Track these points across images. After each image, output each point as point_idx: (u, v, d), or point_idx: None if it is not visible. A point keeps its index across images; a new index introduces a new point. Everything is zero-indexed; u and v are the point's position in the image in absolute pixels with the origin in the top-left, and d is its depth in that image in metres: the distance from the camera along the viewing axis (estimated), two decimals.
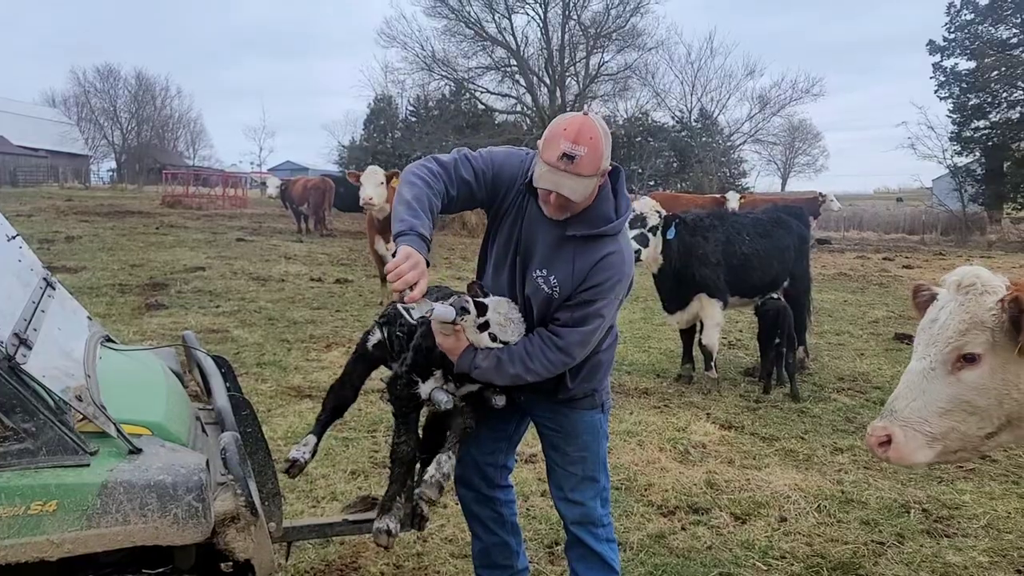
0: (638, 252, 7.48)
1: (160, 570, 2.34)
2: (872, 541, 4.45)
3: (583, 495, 3.21)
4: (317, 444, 3.74)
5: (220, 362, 3.33)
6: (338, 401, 3.85)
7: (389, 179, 10.83)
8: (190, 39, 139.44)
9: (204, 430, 3.03)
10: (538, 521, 4.54)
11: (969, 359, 2.53)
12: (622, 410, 6.75)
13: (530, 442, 5.81)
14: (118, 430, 2.28)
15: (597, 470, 3.23)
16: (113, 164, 72.86)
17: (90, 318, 3.33)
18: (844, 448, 5.92)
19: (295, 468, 3.63)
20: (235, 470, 2.41)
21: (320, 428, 3.79)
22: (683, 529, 4.54)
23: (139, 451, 2.28)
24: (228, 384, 3.17)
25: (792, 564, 4.16)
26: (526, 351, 2.89)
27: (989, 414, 2.55)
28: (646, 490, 5.05)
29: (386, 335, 3.64)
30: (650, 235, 7.50)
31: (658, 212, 7.57)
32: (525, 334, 3.00)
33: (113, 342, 3.28)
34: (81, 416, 2.25)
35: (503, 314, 2.97)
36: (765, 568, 4.11)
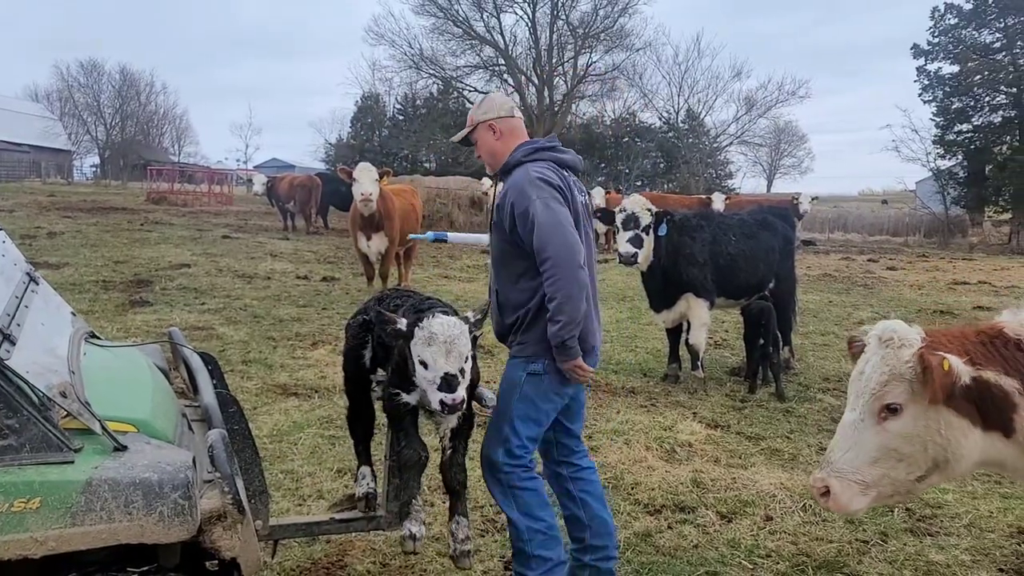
0: (635, 255, 7.48)
1: (145, 568, 2.32)
2: (856, 540, 4.47)
3: (490, 442, 3.54)
4: (372, 471, 3.78)
5: (207, 359, 3.32)
6: (364, 425, 3.87)
7: (381, 176, 10.82)
8: (175, 36, 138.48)
9: (190, 427, 3.01)
10: None
11: (892, 409, 2.67)
12: (609, 409, 6.77)
13: None
14: (103, 427, 2.26)
15: (503, 421, 3.48)
16: (96, 160, 72.21)
17: (74, 314, 3.30)
18: None
19: (370, 500, 3.67)
20: (222, 468, 2.39)
21: (366, 457, 3.84)
22: (669, 528, 4.55)
23: (124, 448, 2.26)
24: (215, 381, 3.16)
25: (777, 563, 4.18)
26: (551, 291, 3.26)
27: (916, 460, 2.69)
28: (632, 489, 5.06)
29: (373, 351, 3.63)
30: (644, 235, 7.50)
31: (649, 210, 7.55)
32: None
33: (98, 338, 3.26)
34: (65, 413, 2.23)
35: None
36: (751, 566, 4.13)
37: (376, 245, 11.24)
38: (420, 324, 3.01)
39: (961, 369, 2.60)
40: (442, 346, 2.96)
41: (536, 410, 3.47)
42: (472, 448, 5.16)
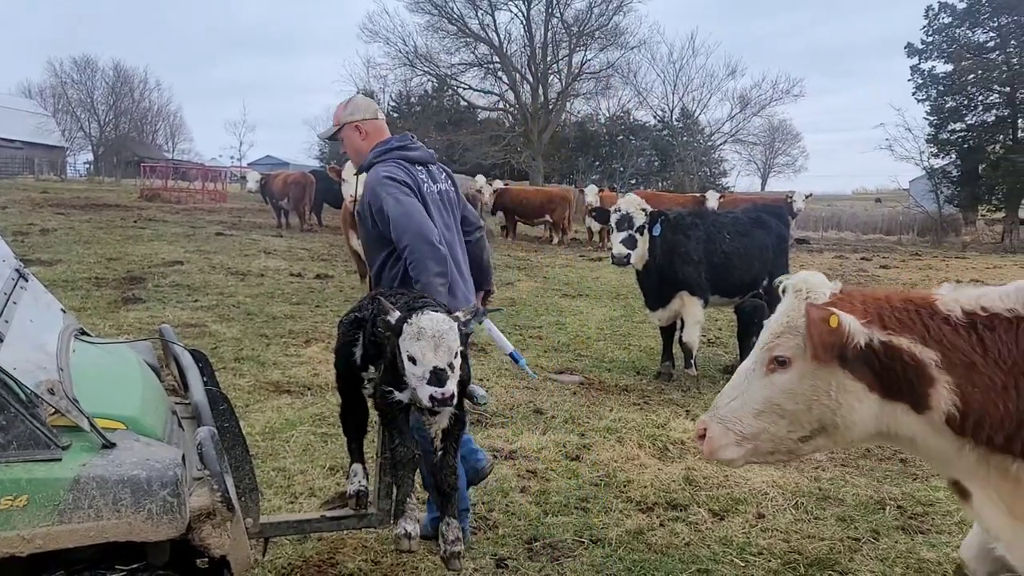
0: (627, 257, 7.48)
1: (134, 566, 2.30)
2: (848, 537, 4.48)
3: None
4: (365, 468, 3.75)
5: (197, 356, 3.30)
6: (356, 422, 3.84)
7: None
8: (169, 34, 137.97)
9: (181, 424, 3.00)
10: (517, 517, 4.54)
11: (780, 362, 2.58)
12: (602, 407, 6.77)
13: (510, 438, 5.83)
14: (91, 424, 2.24)
15: None
16: (90, 156, 71.91)
17: (64, 311, 3.28)
18: None
19: (361, 498, 3.64)
20: (211, 465, 2.38)
21: (358, 454, 3.81)
22: (661, 525, 4.56)
23: (113, 445, 2.25)
24: (205, 378, 3.15)
25: (769, 560, 4.19)
26: (414, 274, 3.66)
27: (799, 419, 2.58)
28: (625, 486, 5.06)
29: (363, 348, 3.62)
30: (638, 236, 7.51)
31: (643, 210, 7.56)
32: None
33: (87, 335, 3.24)
34: (53, 410, 2.22)
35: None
36: (743, 564, 4.13)
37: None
38: (409, 320, 3.00)
39: (854, 328, 2.47)
40: (431, 340, 2.95)
41: None
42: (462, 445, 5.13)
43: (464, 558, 3.42)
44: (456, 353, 3.03)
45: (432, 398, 2.94)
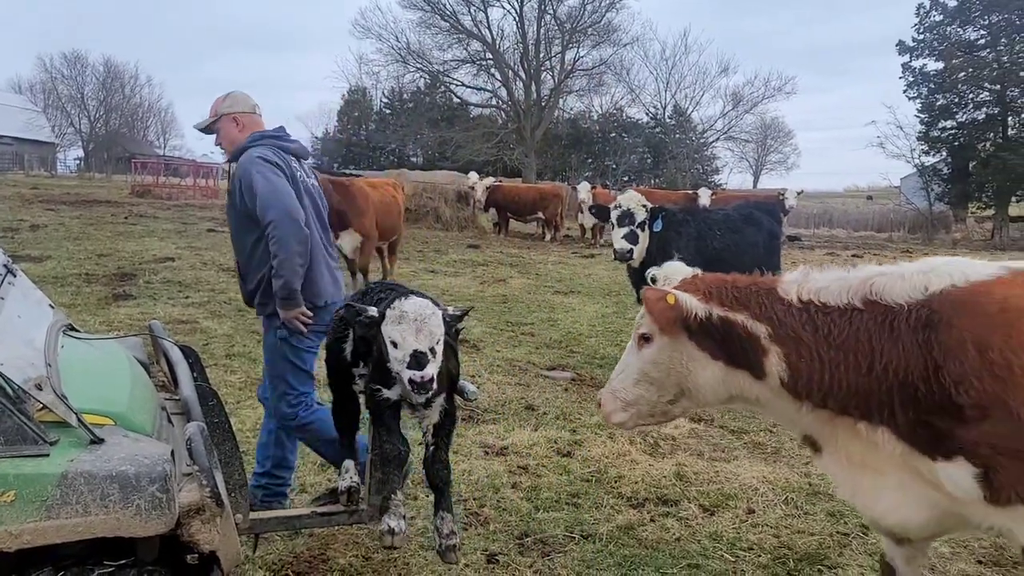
0: (630, 252, 7.50)
1: (123, 561, 2.30)
2: (838, 532, 4.50)
3: (275, 402, 4.19)
4: (357, 464, 3.78)
5: (187, 352, 3.29)
6: (348, 418, 3.87)
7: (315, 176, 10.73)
8: (160, 29, 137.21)
9: (170, 420, 3.00)
10: (508, 513, 4.54)
11: (646, 338, 3.01)
12: (593, 403, 6.76)
13: (501, 435, 5.83)
14: (79, 420, 2.24)
15: (277, 380, 4.13)
16: (80, 152, 71.50)
17: (52, 307, 3.26)
18: None
19: (352, 494, 3.69)
20: (200, 461, 2.38)
21: (349, 451, 3.84)
22: (652, 521, 4.57)
23: (101, 441, 2.25)
24: (195, 374, 3.14)
25: (759, 555, 4.20)
26: (274, 250, 3.82)
27: (664, 384, 3.02)
28: (616, 482, 5.07)
29: (353, 344, 3.63)
30: (639, 231, 7.54)
31: (644, 206, 7.59)
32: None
33: (76, 331, 3.23)
34: (41, 405, 2.21)
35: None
36: (733, 559, 4.15)
37: (347, 242, 11.07)
38: (392, 305, 3.03)
39: (692, 304, 2.89)
40: (412, 324, 2.98)
41: (301, 361, 4.13)
42: (465, 445, 5.15)
43: (459, 550, 3.43)
44: (438, 339, 3.04)
45: (412, 381, 2.96)
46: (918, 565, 3.23)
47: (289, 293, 3.87)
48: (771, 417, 3.37)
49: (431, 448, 3.42)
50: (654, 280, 3.15)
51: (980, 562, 4.22)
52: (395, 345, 3.01)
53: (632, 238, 7.48)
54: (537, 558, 4.06)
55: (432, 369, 2.99)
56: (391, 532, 3.26)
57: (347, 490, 3.68)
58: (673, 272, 3.13)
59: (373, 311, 3.09)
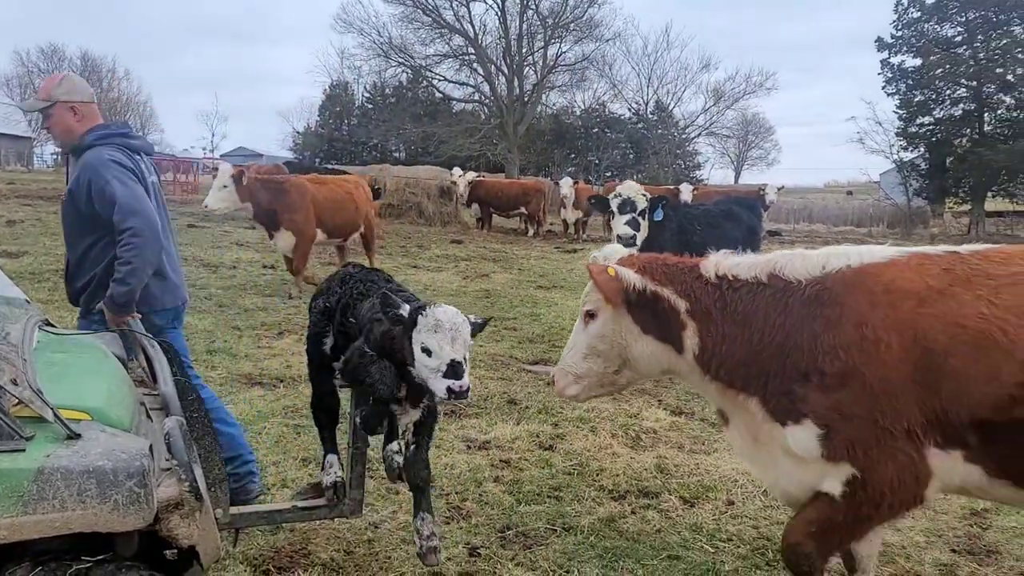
0: (633, 238, 7.57)
1: (100, 557, 2.28)
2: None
3: None
4: (339, 458, 3.78)
5: (165, 347, 3.27)
6: (327, 413, 3.86)
7: (239, 177, 10.38)
8: (138, 22, 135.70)
9: (149, 415, 2.97)
10: (490, 506, 4.56)
11: (591, 315, 3.27)
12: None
13: (484, 429, 5.84)
14: (55, 415, 2.22)
15: None
16: (57, 148, 70.65)
17: (28, 301, 3.23)
18: None
19: (339, 489, 3.68)
20: (179, 455, 2.37)
21: (331, 445, 3.83)
22: (633, 513, 4.60)
23: (78, 436, 2.23)
24: (174, 369, 3.12)
25: (739, 547, 4.24)
26: (129, 256, 3.76)
27: (609, 356, 3.27)
28: (598, 475, 5.10)
29: (334, 339, 3.62)
30: (641, 219, 7.63)
31: (644, 195, 7.70)
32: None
33: (53, 326, 3.20)
34: (16, 400, 2.19)
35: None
36: (713, 550, 4.19)
37: (281, 241, 10.87)
38: (424, 312, 2.98)
39: (630, 276, 3.14)
40: (448, 333, 2.95)
41: None
42: (448, 439, 5.16)
43: (440, 552, 3.43)
44: (470, 346, 3.04)
45: (450, 390, 2.92)
46: (872, 541, 3.36)
47: (128, 300, 3.81)
48: (697, 391, 3.63)
49: (411, 447, 3.41)
50: (594, 260, 3.36)
51: (954, 551, 4.29)
52: (428, 353, 2.97)
53: (635, 224, 7.61)
54: (519, 551, 4.08)
55: (468, 379, 2.98)
56: (332, 487, 3.41)
57: (332, 485, 3.66)
58: (612, 253, 3.37)
59: (404, 310, 3.07)
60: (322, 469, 3.82)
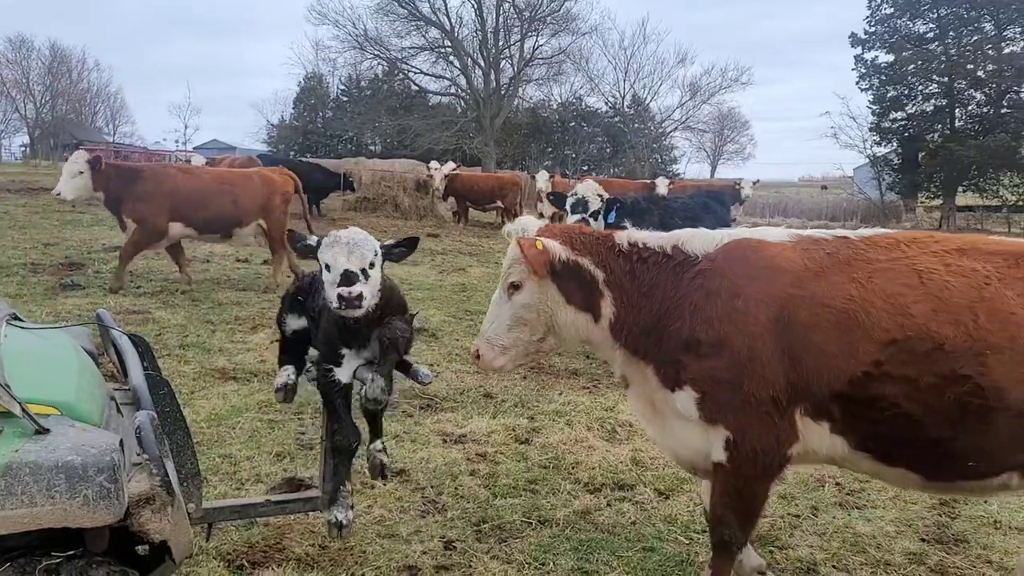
0: None
1: (71, 552, 2.26)
2: (788, 514, 4.61)
3: None
4: (294, 369, 3.94)
5: (137, 341, 3.23)
6: (292, 354, 3.99)
7: (95, 163, 9.92)
8: (108, 12, 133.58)
9: (119, 410, 2.94)
10: (466, 500, 4.56)
11: (515, 286, 3.36)
12: (551, 390, 6.82)
13: (460, 422, 5.84)
14: (23, 409, 2.19)
15: None
16: (26, 139, 69.50)
17: None
18: None
19: (288, 391, 3.85)
20: (150, 450, 2.35)
21: (290, 359, 3.99)
22: (608, 505, 4.63)
23: (46, 431, 2.20)
24: (145, 363, 3.09)
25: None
26: None
27: (534, 325, 3.39)
28: (573, 468, 5.12)
29: (304, 322, 3.67)
30: (591, 220, 7.60)
31: (600, 196, 7.68)
32: None
33: (21, 320, 3.15)
34: None
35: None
36: (687, 542, 4.22)
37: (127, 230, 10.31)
38: (328, 232, 3.18)
39: (556, 248, 3.28)
40: (344, 247, 3.10)
41: None
42: (423, 433, 5.16)
43: (387, 469, 3.77)
44: (370, 262, 3.15)
45: (340, 296, 3.06)
46: None
47: None
48: (605, 359, 3.70)
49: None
50: (509, 234, 3.48)
51: (923, 540, 4.36)
52: (328, 268, 3.13)
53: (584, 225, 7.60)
54: (495, 544, 4.08)
55: (361, 288, 3.08)
56: (339, 525, 3.31)
57: (283, 386, 3.85)
58: (528, 224, 3.47)
59: (312, 239, 3.22)
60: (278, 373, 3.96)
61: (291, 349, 3.94)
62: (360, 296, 3.07)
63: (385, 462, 3.65)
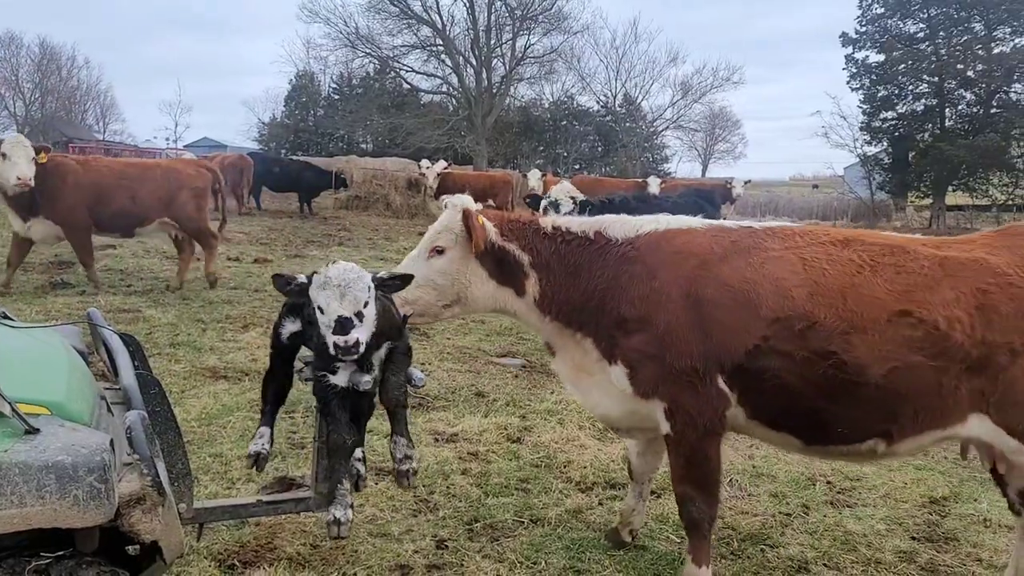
0: None
1: (61, 553, 2.25)
2: (780, 512, 4.62)
3: None
4: (272, 433, 3.78)
5: (127, 340, 3.21)
6: (276, 390, 3.86)
7: (37, 152, 9.09)
8: (99, 10, 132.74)
9: (110, 410, 2.92)
10: (458, 499, 4.56)
11: (438, 251, 3.62)
12: (543, 390, 6.82)
13: (452, 421, 5.84)
14: (13, 409, 2.17)
15: None
16: None
17: None
18: None
19: (260, 461, 3.68)
20: (141, 450, 2.34)
21: (269, 419, 3.82)
22: (600, 504, 4.63)
23: (36, 431, 2.19)
24: (136, 362, 3.07)
25: None
26: None
27: (444, 291, 3.64)
28: (565, 467, 5.12)
29: (300, 327, 3.62)
30: None
31: (572, 198, 7.75)
32: None
33: (10, 319, 3.13)
34: None
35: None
36: (678, 540, 4.23)
37: (38, 231, 9.51)
38: (318, 271, 3.11)
39: (491, 230, 3.62)
40: (336, 290, 3.04)
41: None
42: (415, 432, 5.15)
43: (414, 476, 3.63)
44: (364, 302, 3.09)
45: (336, 345, 3.03)
46: (647, 461, 4.12)
47: None
48: (523, 324, 3.98)
49: (384, 374, 3.52)
50: (446, 206, 3.71)
51: (914, 538, 4.38)
52: (321, 311, 3.09)
53: None
54: (486, 543, 4.08)
55: (357, 334, 3.04)
56: (337, 522, 3.27)
57: (255, 455, 3.70)
58: (463, 201, 3.66)
59: (302, 278, 3.14)
60: (252, 440, 3.79)
61: (280, 363, 3.83)
62: (357, 343, 3.02)
63: (408, 469, 3.57)
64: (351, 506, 3.34)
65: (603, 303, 3.50)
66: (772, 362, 3.25)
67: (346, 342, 3.00)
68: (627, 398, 3.48)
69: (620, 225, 3.63)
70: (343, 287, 3.03)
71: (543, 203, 7.95)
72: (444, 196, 3.84)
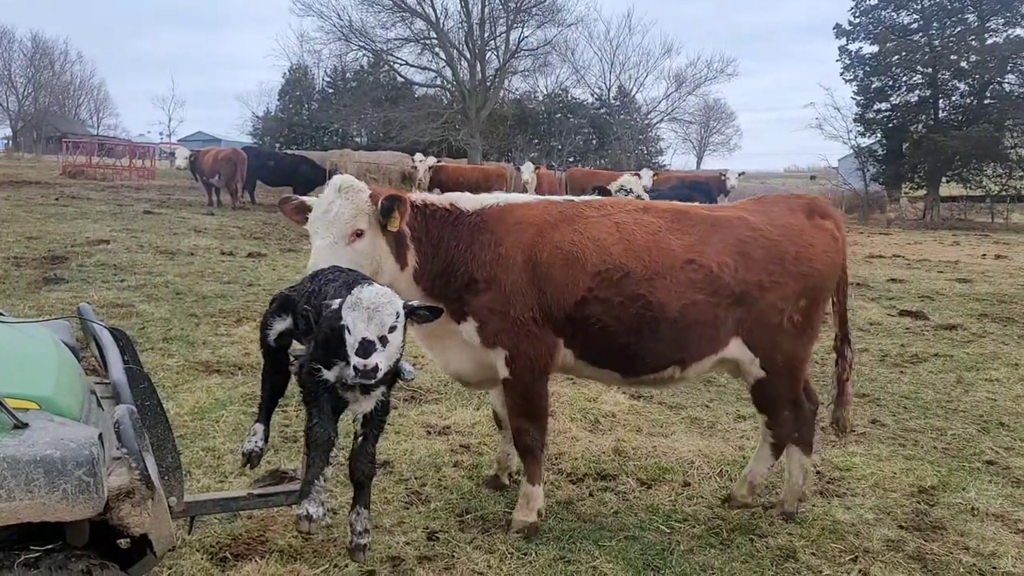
0: None
1: (50, 546, 2.26)
2: (770, 503, 4.65)
3: None
4: (266, 430, 3.82)
5: (117, 334, 3.22)
6: (273, 386, 3.88)
7: None
8: (92, 4, 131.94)
9: (100, 404, 2.93)
10: (449, 491, 4.58)
11: (358, 234, 3.85)
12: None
13: (443, 414, 5.86)
14: (2, 403, 2.19)
15: None
16: (8, 131, 68.77)
17: None
18: (746, 415, 6.15)
19: (253, 459, 3.74)
20: (129, 444, 2.35)
21: (264, 415, 3.85)
22: (591, 495, 4.66)
23: (25, 426, 2.20)
24: (126, 357, 3.08)
25: (694, 527, 4.33)
26: None
27: (366, 269, 3.79)
28: (556, 459, 5.15)
29: (290, 323, 3.63)
30: None
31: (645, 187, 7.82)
32: None
33: (2, 314, 3.14)
34: None
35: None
36: (668, 531, 4.26)
37: None
38: (353, 290, 3.09)
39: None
40: (364, 312, 3.03)
41: None
42: (407, 425, 5.15)
43: (366, 551, 3.42)
44: (390, 328, 3.07)
45: (355, 368, 3.01)
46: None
47: None
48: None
49: (359, 439, 3.38)
50: (339, 189, 3.88)
51: (902, 527, 4.41)
52: (349, 332, 3.05)
53: None
54: (478, 534, 4.11)
55: (377, 359, 3.01)
56: (308, 518, 3.20)
57: (248, 453, 3.74)
58: (357, 182, 3.94)
59: (336, 302, 3.12)
60: (247, 437, 3.83)
61: (272, 361, 3.85)
62: (375, 368, 3.01)
63: (366, 544, 3.41)
64: (324, 503, 3.31)
65: (456, 268, 3.99)
66: (595, 308, 3.95)
67: (365, 365, 2.99)
68: (475, 350, 4.05)
69: (467, 199, 4.17)
70: (372, 309, 3.02)
71: (613, 190, 8.04)
72: (336, 177, 4.02)
